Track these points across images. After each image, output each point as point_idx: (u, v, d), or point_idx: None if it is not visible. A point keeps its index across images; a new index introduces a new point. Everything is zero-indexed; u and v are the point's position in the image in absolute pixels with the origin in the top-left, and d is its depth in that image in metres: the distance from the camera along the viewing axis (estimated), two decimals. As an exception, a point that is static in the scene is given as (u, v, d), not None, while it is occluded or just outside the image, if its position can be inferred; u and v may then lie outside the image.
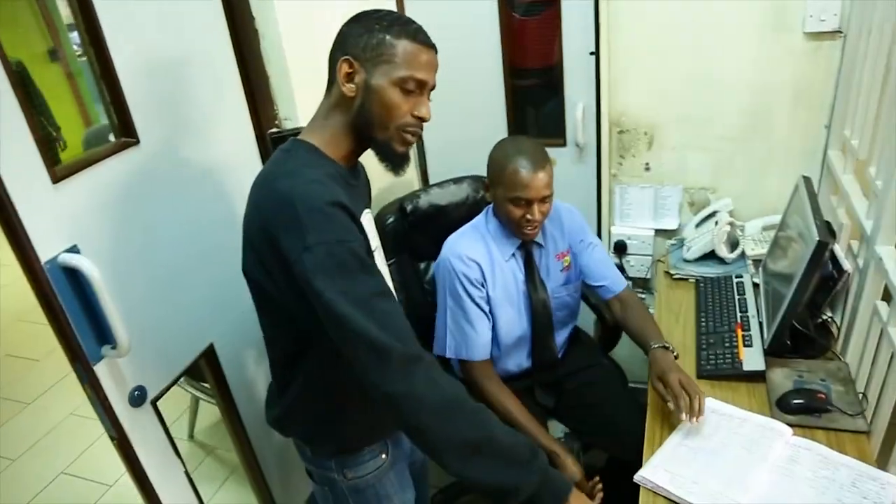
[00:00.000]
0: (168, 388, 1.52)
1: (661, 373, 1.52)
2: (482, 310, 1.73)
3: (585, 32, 2.02)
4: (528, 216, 1.64)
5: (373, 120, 1.11)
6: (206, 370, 1.70)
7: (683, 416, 1.42)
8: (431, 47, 1.13)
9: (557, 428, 1.93)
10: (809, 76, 1.92)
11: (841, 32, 1.83)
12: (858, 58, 1.70)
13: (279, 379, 1.28)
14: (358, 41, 1.09)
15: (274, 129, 1.73)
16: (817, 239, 1.44)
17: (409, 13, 2.15)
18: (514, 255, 1.77)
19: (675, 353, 1.63)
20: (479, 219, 1.82)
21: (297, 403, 1.26)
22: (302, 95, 1.73)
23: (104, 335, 1.30)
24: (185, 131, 1.52)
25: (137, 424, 1.43)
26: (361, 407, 1.19)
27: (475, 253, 1.72)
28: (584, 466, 1.70)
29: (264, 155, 1.73)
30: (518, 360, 1.86)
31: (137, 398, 1.41)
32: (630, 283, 2.32)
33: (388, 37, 1.08)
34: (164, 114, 1.45)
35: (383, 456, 1.35)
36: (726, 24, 1.91)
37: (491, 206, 1.78)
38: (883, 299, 1.40)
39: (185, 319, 1.56)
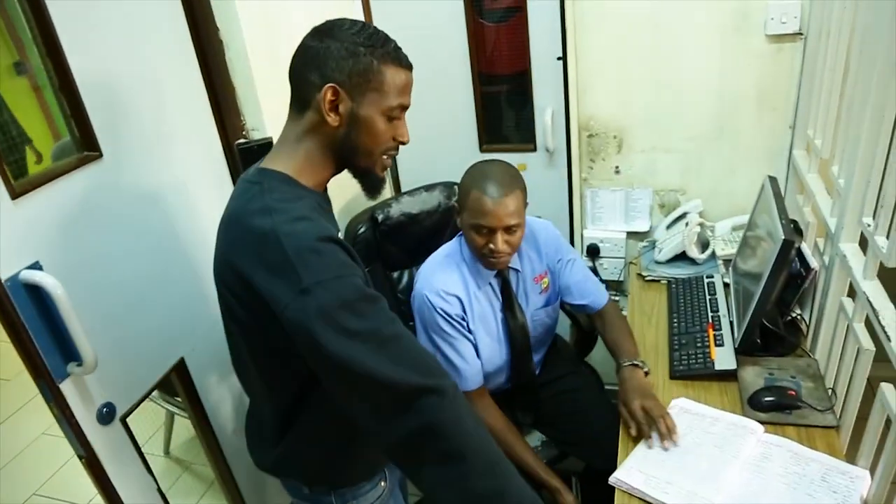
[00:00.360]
0: (138, 404, 1.50)
1: (624, 399, 1.53)
2: (467, 339, 1.69)
3: (552, 38, 2.04)
4: (491, 246, 1.57)
5: (358, 149, 1.06)
6: (177, 385, 1.67)
7: (654, 437, 1.44)
8: (411, 68, 1.08)
9: (535, 437, 1.93)
10: (773, 77, 1.95)
11: (801, 34, 1.86)
12: (819, 59, 1.73)
13: (273, 424, 1.17)
14: (342, 66, 1.00)
15: (241, 140, 1.71)
16: (783, 238, 1.46)
17: (376, 21, 2.16)
18: (490, 283, 1.71)
19: (646, 370, 1.65)
20: (453, 245, 1.74)
21: (298, 447, 1.18)
22: (268, 105, 1.72)
23: (70, 352, 1.27)
24: (150, 144, 1.50)
25: (107, 442, 1.40)
26: (369, 444, 1.13)
27: (453, 286, 1.66)
28: (560, 473, 1.70)
29: (232, 166, 1.71)
30: (497, 384, 1.84)
31: (106, 415, 1.39)
32: (610, 294, 2.34)
33: (374, 62, 1.01)
34: (128, 126, 1.43)
35: (382, 484, 1.31)
36: (690, 28, 1.93)
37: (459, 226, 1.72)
38: (848, 296, 1.42)
39: (155, 334, 1.54)
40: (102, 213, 1.39)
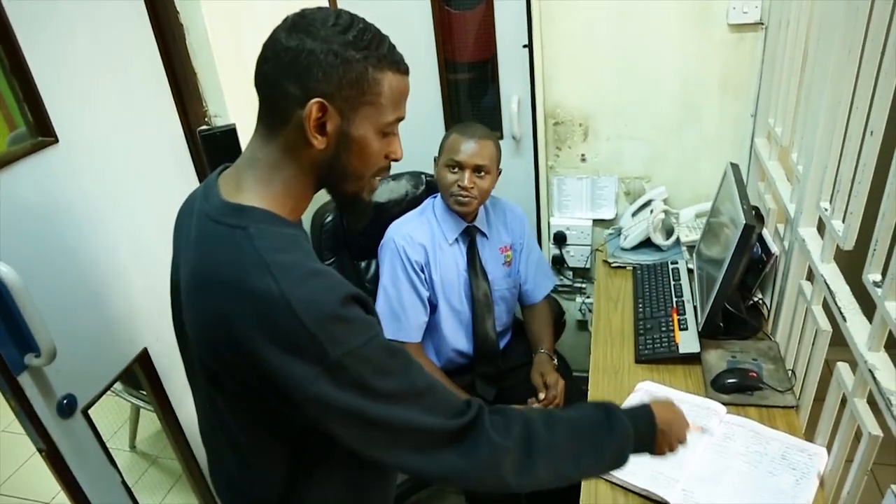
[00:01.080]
0: (99, 396, 1.47)
1: (535, 373, 1.82)
2: (417, 292, 1.76)
3: (518, 25, 2.04)
4: (460, 182, 1.70)
5: (347, 173, 0.88)
6: (141, 376, 1.64)
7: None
8: (409, 72, 0.90)
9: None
10: (735, 67, 1.98)
11: (762, 24, 1.89)
12: (778, 49, 1.76)
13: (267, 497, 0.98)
14: (330, 75, 0.81)
15: (204, 127, 1.68)
16: (744, 223, 1.48)
17: (340, 7, 2.13)
18: (457, 239, 1.80)
19: (554, 360, 1.88)
20: (425, 203, 1.87)
21: None
22: (231, 91, 1.69)
23: (27, 343, 1.24)
24: (109, 130, 1.46)
25: (68, 435, 1.37)
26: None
27: (421, 235, 1.77)
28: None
29: (195, 153, 1.68)
30: (459, 345, 1.88)
31: (66, 407, 1.36)
32: (577, 281, 2.36)
33: (369, 69, 0.83)
34: (85, 111, 1.40)
35: None
36: (654, 17, 1.95)
37: (439, 193, 1.82)
38: (807, 279, 1.46)
39: (116, 324, 1.51)
40: (59, 200, 1.35)
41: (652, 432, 1.03)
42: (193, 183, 1.69)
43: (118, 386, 2.22)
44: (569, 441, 0.96)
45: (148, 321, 1.59)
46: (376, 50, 0.84)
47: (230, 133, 1.67)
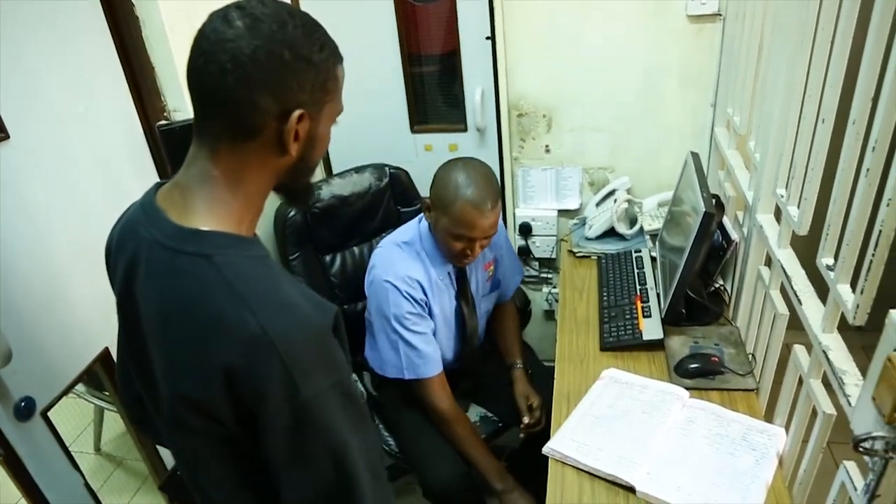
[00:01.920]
0: (59, 398, 1.44)
1: (519, 394, 1.81)
2: (426, 324, 1.71)
3: (481, 17, 2.04)
4: (468, 251, 1.62)
5: (311, 169, 0.88)
6: (103, 376, 1.61)
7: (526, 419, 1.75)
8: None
9: (474, 412, 1.96)
10: (694, 57, 2.00)
11: (720, 15, 1.92)
12: (736, 39, 1.80)
13: None
14: (304, 82, 0.78)
15: (163, 122, 1.65)
16: (704, 211, 1.51)
17: (303, 4, 2.10)
18: (448, 273, 1.75)
19: (529, 371, 1.89)
20: (411, 233, 1.75)
21: None
22: (191, 85, 1.67)
23: (-19, 345, 1.21)
24: (64, 124, 1.43)
25: (27, 438, 1.34)
26: None
27: (416, 273, 1.68)
28: (498, 447, 1.75)
29: (153, 149, 1.65)
30: (446, 364, 1.86)
31: (24, 410, 1.33)
32: (543, 272, 2.38)
33: (332, 68, 0.82)
34: (37, 105, 1.36)
35: None
36: (615, 9, 1.96)
37: (423, 219, 1.73)
38: (766, 264, 1.49)
39: (75, 324, 1.48)
40: (12, 196, 1.32)
41: None
42: (153, 179, 1.66)
43: (81, 387, 2.18)
44: None
45: (109, 320, 1.55)
46: (331, 46, 0.82)
47: (190, 128, 1.63)
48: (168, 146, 1.64)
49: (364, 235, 2.12)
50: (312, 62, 0.78)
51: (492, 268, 1.87)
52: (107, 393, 2.19)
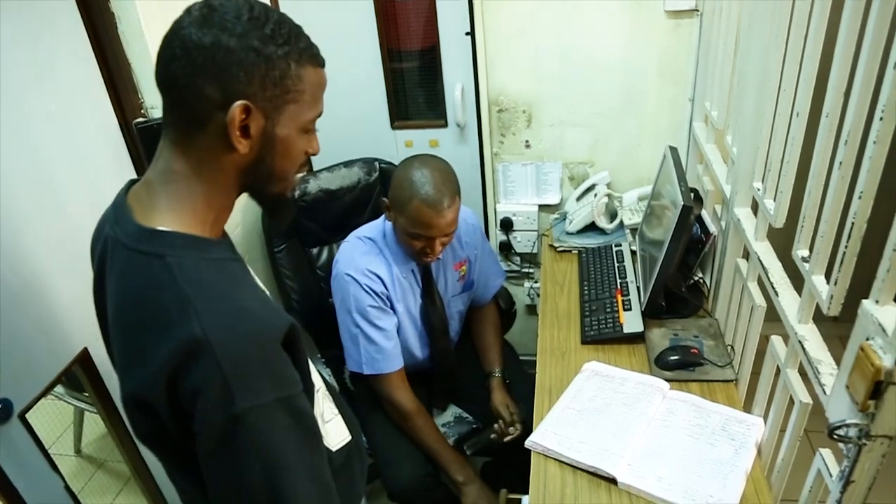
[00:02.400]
0: (37, 400, 1.42)
1: (497, 404, 1.80)
2: (387, 321, 1.70)
3: (460, 13, 2.04)
4: (428, 250, 1.61)
5: (274, 175, 0.84)
6: (82, 377, 1.60)
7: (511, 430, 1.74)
8: (325, 64, 0.86)
9: (451, 412, 1.96)
10: (673, 52, 2.02)
11: (698, 11, 1.94)
12: (713, 35, 1.82)
13: None
14: (252, 73, 0.75)
15: (140, 119, 1.64)
16: (682, 204, 1.53)
17: (282, 1, 2.09)
18: (412, 271, 1.74)
19: (506, 380, 1.87)
20: (375, 230, 1.74)
21: None
22: (169, 82, 1.65)
23: (-43, 347, 1.19)
24: (39, 121, 1.41)
25: (4, 441, 1.32)
26: None
27: (377, 268, 1.67)
28: (478, 446, 1.76)
29: (131, 146, 1.63)
30: (417, 368, 1.86)
31: (2, 412, 1.31)
32: (524, 266, 2.39)
33: (292, 65, 0.78)
34: (11, 101, 1.34)
35: None
36: (594, 4, 1.97)
37: (386, 219, 1.72)
38: (743, 257, 1.51)
39: (52, 324, 1.46)
40: (-13, 197, 1.30)
41: None
42: (131, 177, 1.64)
43: (60, 389, 2.15)
44: None
45: (87, 320, 1.54)
46: (296, 44, 0.79)
47: (168, 125, 1.63)
48: (146, 144, 1.63)
49: (352, 229, 2.11)
50: (264, 54, 0.76)
51: (464, 268, 1.85)
52: (86, 394, 2.16)
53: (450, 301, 1.84)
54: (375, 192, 2.12)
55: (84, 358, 1.55)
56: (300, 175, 0.89)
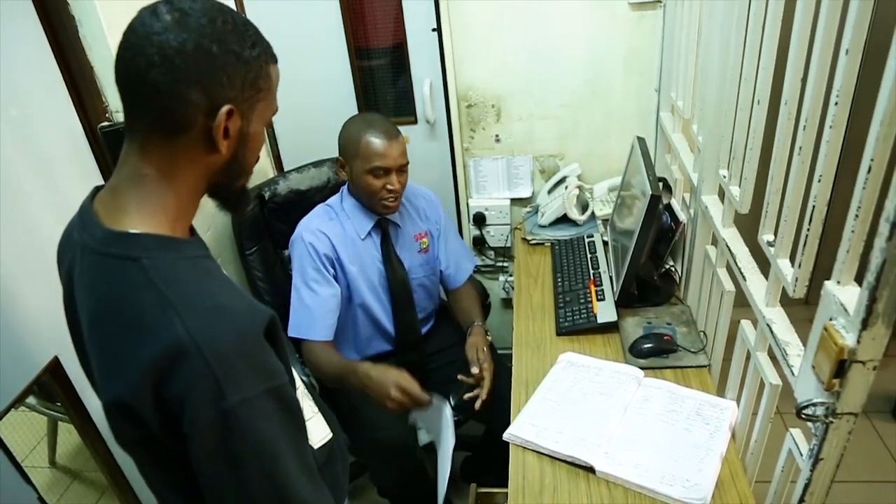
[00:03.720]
0: (7, 411, 1.40)
1: (471, 346, 1.79)
2: (327, 289, 1.73)
3: (426, 9, 2.04)
4: (389, 186, 1.68)
5: (244, 170, 0.87)
6: (54, 387, 1.57)
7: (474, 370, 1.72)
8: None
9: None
10: (637, 44, 2.04)
11: (661, 2, 1.96)
12: (676, 25, 1.84)
13: None
14: (234, 77, 0.77)
15: (105, 123, 1.61)
16: (651, 194, 1.54)
17: (247, 1, 2.07)
18: (370, 233, 1.78)
19: (488, 332, 1.87)
20: (332, 200, 1.83)
21: None
22: (133, 85, 1.62)
23: (-79, 361, 1.17)
24: (-1, 129, 1.38)
25: (-26, 454, 1.30)
26: None
27: (326, 228, 1.74)
28: (461, 440, 1.76)
29: (96, 151, 1.61)
30: (381, 336, 1.88)
31: (-30, 426, 1.29)
32: (498, 260, 2.40)
33: (264, 66, 0.81)
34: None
35: None
36: (558, -4, 1.99)
37: (345, 187, 1.78)
38: (712, 244, 1.54)
39: (22, 333, 1.43)
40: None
41: None
42: (97, 182, 1.60)
43: (32, 400, 2.11)
44: None
45: (57, 329, 1.51)
46: (263, 44, 0.82)
47: (133, 129, 1.61)
48: (112, 148, 1.60)
49: None
50: (242, 58, 0.78)
51: (424, 240, 1.89)
52: (59, 404, 2.13)
53: (411, 269, 1.86)
54: (340, 170, 2.10)
55: (55, 367, 1.53)
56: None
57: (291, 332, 1.72)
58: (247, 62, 0.78)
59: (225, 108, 0.77)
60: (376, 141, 1.66)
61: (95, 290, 0.79)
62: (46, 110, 1.51)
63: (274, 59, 0.84)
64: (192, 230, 0.90)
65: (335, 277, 1.75)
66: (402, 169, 1.71)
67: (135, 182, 0.80)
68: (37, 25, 1.47)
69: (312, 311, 1.71)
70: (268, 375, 0.77)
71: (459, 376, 1.74)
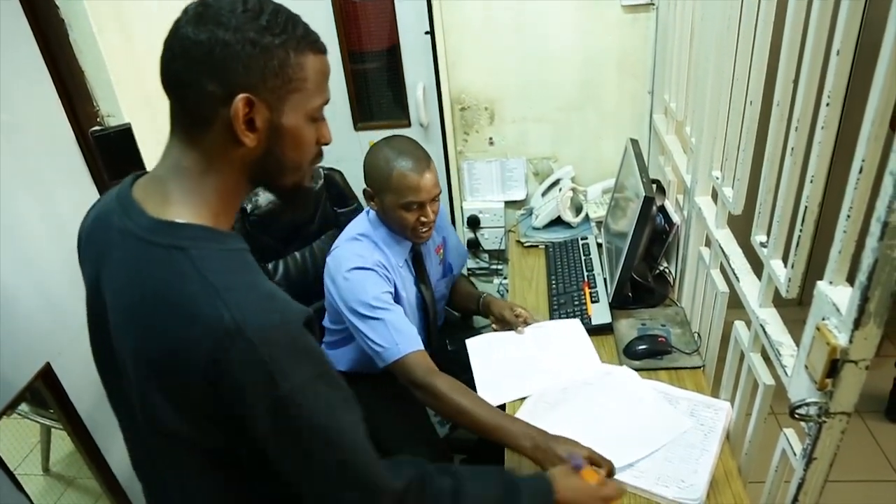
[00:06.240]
0: (-1, 418, 1.39)
1: (500, 311, 1.77)
2: (398, 306, 1.63)
3: (419, 12, 2.04)
4: (423, 218, 1.60)
5: (285, 167, 0.84)
6: (46, 393, 1.56)
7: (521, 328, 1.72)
8: (326, 50, 0.85)
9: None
10: (631, 46, 2.05)
11: (653, 4, 1.97)
12: (669, 27, 1.85)
13: None
14: (251, 66, 0.75)
15: (97, 127, 1.60)
16: (644, 195, 1.55)
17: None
18: (406, 260, 1.71)
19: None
20: (363, 227, 1.69)
21: None
22: (124, 90, 1.62)
23: (-89, 368, 1.16)
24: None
25: (-35, 462, 1.29)
26: None
27: (381, 259, 1.63)
28: (455, 441, 1.74)
29: (87, 155, 1.60)
30: None
31: (-38, 433, 1.28)
32: (492, 263, 2.40)
33: (291, 54, 0.78)
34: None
35: None
36: (551, 0, 1.99)
37: (369, 212, 1.70)
38: (706, 245, 1.54)
39: (11, 340, 1.42)
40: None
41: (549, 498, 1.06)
42: (89, 187, 1.61)
43: (25, 407, 2.10)
44: None
45: (47, 335, 1.51)
46: (293, 32, 0.79)
47: (125, 133, 1.60)
48: (104, 153, 1.59)
49: (304, 240, 2.06)
50: (261, 45, 0.75)
51: (441, 251, 1.87)
52: (51, 411, 2.12)
53: (435, 285, 1.84)
54: (322, 199, 2.06)
55: (47, 373, 1.52)
56: (313, 165, 0.89)
57: (387, 359, 1.51)
58: (266, 49, 0.76)
59: (241, 97, 0.75)
60: (410, 175, 1.54)
61: (142, 279, 0.78)
62: (36, 115, 1.51)
63: (312, 48, 0.81)
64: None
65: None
66: (435, 198, 1.62)
67: (177, 174, 0.80)
68: (26, 29, 1.46)
69: (403, 328, 1.54)
70: (317, 360, 0.79)
71: (493, 326, 1.79)
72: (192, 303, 0.73)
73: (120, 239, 0.81)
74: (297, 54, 0.78)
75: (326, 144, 0.88)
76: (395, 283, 1.66)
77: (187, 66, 0.75)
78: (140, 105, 1.64)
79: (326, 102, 0.85)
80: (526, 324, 1.74)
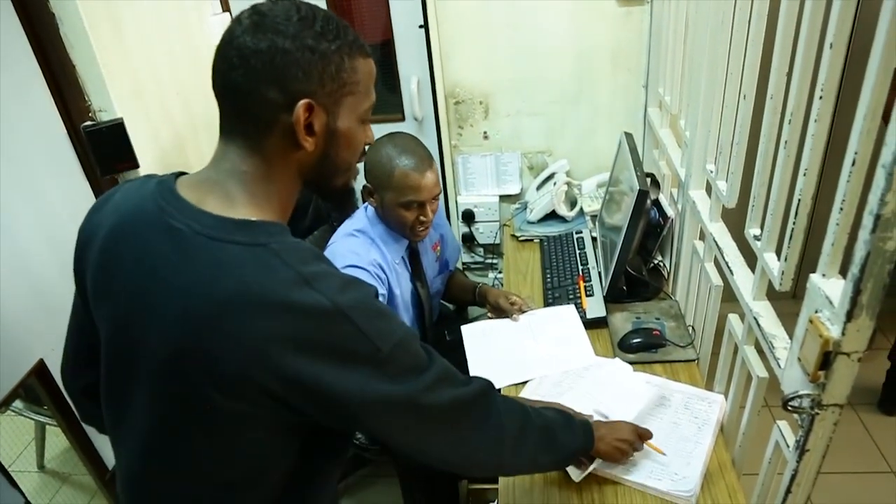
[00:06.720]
0: (-7, 415, 1.38)
1: (496, 300, 1.80)
2: (393, 301, 1.69)
3: (413, 6, 2.03)
4: (422, 217, 1.61)
5: (338, 168, 0.88)
6: (39, 390, 1.56)
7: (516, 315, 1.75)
8: (371, 54, 0.88)
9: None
10: (625, 40, 2.05)
11: (647, -3, 1.97)
12: (663, 21, 1.84)
13: None
14: (310, 72, 0.78)
15: (88, 123, 1.59)
16: (638, 189, 1.55)
17: (231, 3, 2.06)
18: (402, 257, 1.73)
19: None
20: (361, 223, 1.70)
21: None
22: (116, 84, 1.61)
23: None
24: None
25: (-40, 460, 1.28)
26: None
27: (376, 257, 1.64)
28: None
29: (79, 150, 1.59)
30: None
31: (-44, 430, 1.27)
32: (487, 257, 2.40)
33: (345, 59, 0.81)
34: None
35: None
36: (545, -7, 1.99)
37: (367, 208, 1.71)
38: (700, 239, 1.54)
39: (4, 336, 1.41)
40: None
41: (591, 442, 1.18)
42: (81, 183, 1.60)
43: (19, 404, 2.10)
44: (548, 434, 1.06)
45: (40, 330, 1.50)
46: (345, 37, 0.81)
47: (117, 128, 1.58)
48: (96, 148, 1.58)
49: (296, 236, 2.07)
50: (319, 51, 0.78)
51: (438, 248, 1.88)
52: (45, 407, 2.11)
53: (431, 282, 1.85)
54: (313, 194, 2.07)
55: (40, 370, 1.51)
56: (357, 165, 0.93)
57: None
58: (324, 55, 0.79)
59: (302, 103, 0.78)
60: (412, 174, 1.55)
61: (221, 275, 0.78)
62: (26, 110, 1.49)
63: (362, 52, 0.84)
64: None
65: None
66: (435, 198, 1.63)
67: (237, 178, 0.83)
68: (16, 23, 1.45)
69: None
70: (396, 320, 0.85)
71: (489, 314, 1.82)
72: (286, 292, 0.76)
73: (179, 239, 0.80)
74: (350, 59, 0.81)
75: (370, 144, 0.92)
76: (389, 281, 1.66)
77: (247, 74, 0.77)
78: (131, 99, 1.63)
79: (373, 103, 0.88)
80: (521, 311, 1.76)
